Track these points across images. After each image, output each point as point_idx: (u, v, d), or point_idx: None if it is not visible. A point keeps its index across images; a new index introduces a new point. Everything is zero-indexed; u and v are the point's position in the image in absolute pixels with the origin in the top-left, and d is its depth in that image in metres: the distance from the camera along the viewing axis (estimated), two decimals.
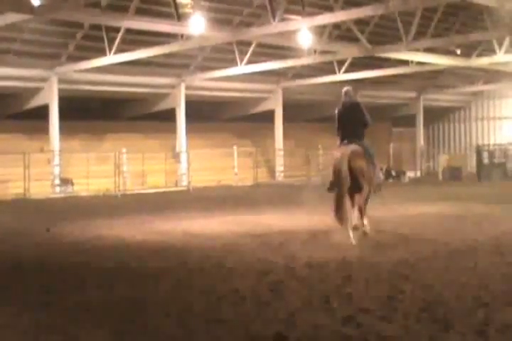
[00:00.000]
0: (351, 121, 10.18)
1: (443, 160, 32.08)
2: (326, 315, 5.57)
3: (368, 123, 10.31)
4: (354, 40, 22.46)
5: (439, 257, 8.33)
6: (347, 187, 9.67)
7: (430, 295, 6.17)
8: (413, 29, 20.34)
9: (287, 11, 21.03)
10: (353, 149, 9.83)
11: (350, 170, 9.63)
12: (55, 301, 6.39)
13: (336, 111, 10.44)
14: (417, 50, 23.17)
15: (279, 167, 29.61)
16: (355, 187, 9.81)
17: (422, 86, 34.12)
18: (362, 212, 10.01)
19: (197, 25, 17.81)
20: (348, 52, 23.67)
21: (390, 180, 27.55)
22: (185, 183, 25.46)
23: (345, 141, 10.12)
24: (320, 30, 22.56)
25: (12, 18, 16.42)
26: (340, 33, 25.60)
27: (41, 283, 7.24)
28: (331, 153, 10.82)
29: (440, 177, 30.48)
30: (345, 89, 10.61)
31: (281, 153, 29.67)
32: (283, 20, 19.21)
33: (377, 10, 17.58)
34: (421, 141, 35.51)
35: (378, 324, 5.28)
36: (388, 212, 13.98)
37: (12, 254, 9.44)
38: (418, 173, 33.28)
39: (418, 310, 5.62)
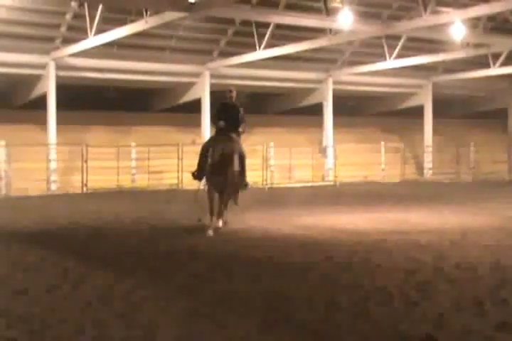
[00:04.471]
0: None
1: None
2: (478, 319, 5.36)
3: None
4: (511, 31, 21.36)
5: None
6: None
7: None
8: None
9: (439, 3, 20.36)
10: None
11: None
12: (205, 289, 6.63)
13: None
14: None
15: (428, 164, 28.80)
16: None
17: None
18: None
19: (345, 19, 17.69)
20: (505, 44, 22.55)
21: None
22: (331, 178, 25.45)
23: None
24: (474, 23, 21.67)
25: (169, 16, 17.15)
26: (496, 25, 24.45)
27: (192, 271, 7.53)
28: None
29: None
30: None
31: (430, 149, 28.86)
32: (434, 12, 18.62)
33: None
34: None
35: None
36: None
37: (165, 241, 9.91)
38: None
39: None
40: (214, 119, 11.47)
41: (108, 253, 8.93)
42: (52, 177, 21.57)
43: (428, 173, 28.59)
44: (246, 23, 21.82)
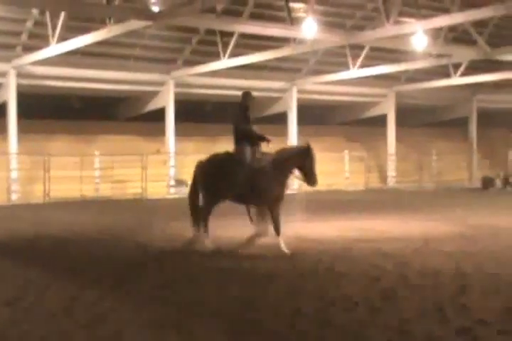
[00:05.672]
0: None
1: None
2: (440, 325, 5.43)
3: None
4: (471, 42, 21.78)
5: None
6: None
7: None
8: None
9: (401, 14, 20.67)
10: None
11: None
12: (171, 298, 6.59)
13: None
14: None
15: (391, 172, 29.13)
16: None
17: None
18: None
19: (309, 29, 17.84)
20: (465, 55, 22.98)
21: (508, 188, 26.39)
22: (295, 186, 25.53)
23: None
24: (435, 33, 22.04)
25: (133, 25, 17.08)
26: (456, 36, 24.92)
27: (157, 280, 7.49)
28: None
29: None
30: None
31: (393, 158, 29.18)
32: (397, 23, 18.91)
33: (497, 11, 16.93)
34: None
35: (496, 337, 5.09)
36: (506, 221, 13.47)
37: (130, 251, 9.82)
38: None
39: None
40: (251, 127, 9.91)
41: (72, 263, 8.81)
42: (13, 187, 21.24)
43: (391, 181, 28.90)
44: (210, 31, 21.87)
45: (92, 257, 9.31)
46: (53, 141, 23.57)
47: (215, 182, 9.74)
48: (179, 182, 24.17)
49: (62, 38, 18.85)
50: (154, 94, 24.75)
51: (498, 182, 26.92)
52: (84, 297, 6.65)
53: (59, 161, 21.49)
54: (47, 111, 23.87)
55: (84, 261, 8.96)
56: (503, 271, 7.72)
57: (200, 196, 10.01)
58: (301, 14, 21.24)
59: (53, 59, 20.29)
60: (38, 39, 20.23)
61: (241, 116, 9.90)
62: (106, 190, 22.73)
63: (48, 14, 19.04)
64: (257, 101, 10.38)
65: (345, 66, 24.45)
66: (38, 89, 22.94)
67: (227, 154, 9.94)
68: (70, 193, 21.30)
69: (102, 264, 8.69)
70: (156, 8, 16.00)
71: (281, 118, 27.13)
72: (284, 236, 9.66)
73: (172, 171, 24.32)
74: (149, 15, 16.09)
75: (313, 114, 30.13)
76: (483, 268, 7.97)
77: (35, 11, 19.70)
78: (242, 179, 9.48)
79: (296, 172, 9.91)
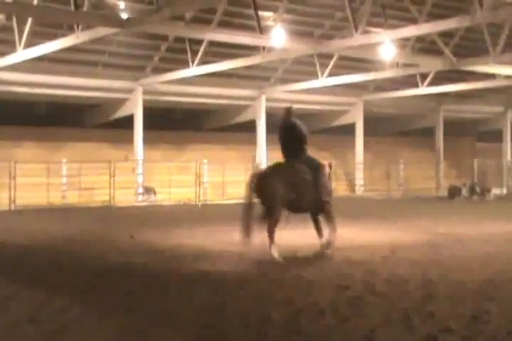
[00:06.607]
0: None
1: None
2: (407, 333, 5.45)
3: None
4: (438, 52, 22.10)
5: None
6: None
7: None
8: (501, 41, 19.84)
9: (370, 24, 20.90)
10: None
11: None
12: (137, 306, 6.53)
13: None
14: (505, 63, 22.52)
15: (359, 180, 29.32)
16: None
17: (509, 100, 33.08)
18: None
19: (278, 37, 17.95)
20: (432, 65, 23.29)
21: (474, 197, 26.74)
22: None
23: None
24: (403, 43, 22.33)
25: (101, 31, 16.99)
26: (423, 46, 25.27)
27: (124, 288, 7.41)
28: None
29: None
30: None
31: (361, 166, 29.38)
32: (365, 32, 19.12)
33: (463, 22, 17.24)
34: (508, 156, 34.36)
35: None
36: (472, 229, 13.64)
37: (97, 259, 9.72)
38: (504, 191, 32.14)
39: (505, 333, 5.41)
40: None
41: (38, 271, 8.67)
42: None
43: (360, 190, 29.08)
44: (179, 39, 21.86)
45: (58, 265, 9.18)
46: (20, 148, 23.28)
47: (284, 193, 9.88)
48: (147, 190, 24.03)
49: (29, 44, 18.69)
50: (123, 101, 24.62)
51: (465, 192, 27.25)
52: (49, 305, 6.54)
53: (25, 168, 21.21)
54: (13, 117, 23.59)
55: (50, 270, 8.83)
56: (468, 279, 7.79)
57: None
58: (270, 23, 21.35)
59: (20, 65, 20.08)
60: (5, 45, 20.01)
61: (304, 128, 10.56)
62: (73, 198, 22.50)
63: (14, 19, 18.85)
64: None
65: (313, 75, 24.61)
66: (4, 95, 22.66)
67: (289, 165, 10.61)
68: (36, 200, 21.03)
69: (68, 272, 8.57)
70: (124, 15, 15.96)
71: (251, 126, 27.17)
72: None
73: (140, 179, 24.17)
74: (118, 22, 16.03)
75: None
76: (450, 276, 8.03)
77: (1, 16, 19.49)
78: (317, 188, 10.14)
79: None
